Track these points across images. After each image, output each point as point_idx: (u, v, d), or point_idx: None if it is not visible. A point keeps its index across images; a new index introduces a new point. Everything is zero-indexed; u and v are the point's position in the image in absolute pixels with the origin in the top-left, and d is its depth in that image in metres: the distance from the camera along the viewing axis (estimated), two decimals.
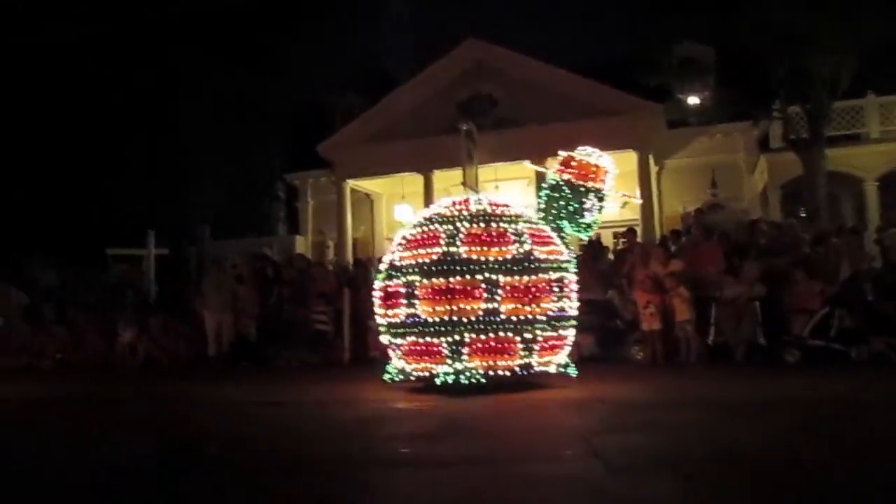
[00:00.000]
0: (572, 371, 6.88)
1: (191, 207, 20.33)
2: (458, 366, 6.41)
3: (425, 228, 6.72)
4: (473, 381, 6.37)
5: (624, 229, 12.95)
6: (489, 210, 6.71)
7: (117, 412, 6.69)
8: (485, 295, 6.28)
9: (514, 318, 6.32)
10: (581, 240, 8.50)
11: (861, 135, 17.04)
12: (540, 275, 6.45)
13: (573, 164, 6.98)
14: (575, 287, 6.83)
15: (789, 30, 13.58)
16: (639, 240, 12.33)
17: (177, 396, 7.75)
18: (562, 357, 6.86)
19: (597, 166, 6.98)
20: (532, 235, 6.62)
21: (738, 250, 10.37)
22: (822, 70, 14.08)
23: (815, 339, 8.73)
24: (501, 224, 6.57)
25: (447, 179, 16.86)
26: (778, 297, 9.35)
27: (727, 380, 7.67)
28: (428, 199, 16.90)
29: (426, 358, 6.60)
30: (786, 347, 8.80)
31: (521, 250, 6.44)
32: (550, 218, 6.98)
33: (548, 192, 7.06)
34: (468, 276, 6.31)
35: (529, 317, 6.37)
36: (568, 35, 21.50)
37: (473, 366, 6.39)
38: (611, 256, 11.94)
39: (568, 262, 6.82)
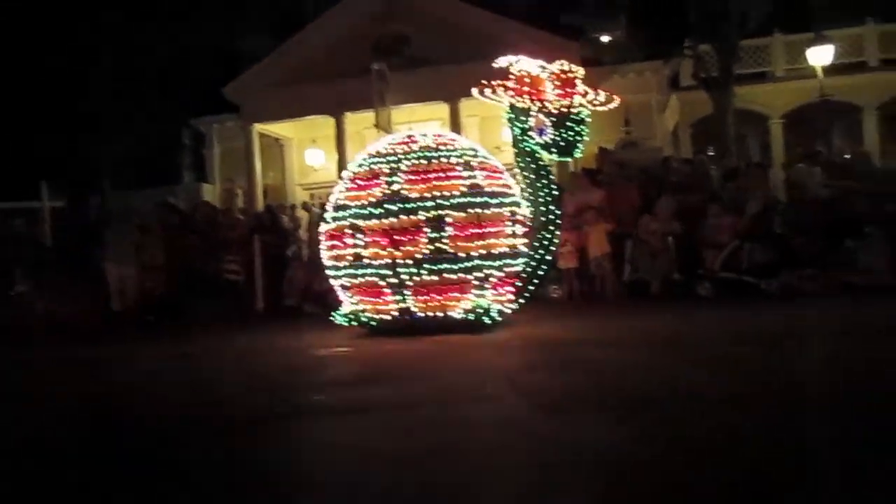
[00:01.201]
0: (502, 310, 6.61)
1: (90, 156, 19.19)
2: (403, 307, 6.35)
3: (367, 167, 6.55)
4: (419, 323, 6.33)
5: None
6: (433, 144, 6.47)
7: (16, 374, 6.23)
8: (430, 234, 6.09)
9: (462, 256, 6.13)
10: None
11: (767, 73, 17.42)
12: (493, 210, 6.22)
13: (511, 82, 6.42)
14: (525, 221, 6.53)
15: None
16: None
17: (79, 356, 7.28)
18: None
19: (531, 78, 6.40)
20: (483, 168, 6.40)
21: (652, 187, 10.45)
22: (731, 7, 14.21)
23: (727, 272, 8.90)
24: (444, 158, 6.33)
25: (359, 122, 16.42)
26: (691, 232, 9.48)
27: (644, 315, 7.72)
28: (340, 143, 16.45)
29: (374, 300, 6.52)
30: (699, 281, 8.95)
31: (469, 184, 6.21)
32: (517, 149, 6.57)
33: (507, 119, 6.58)
34: (411, 216, 6.12)
35: (482, 253, 6.16)
36: None
37: (418, 307, 6.32)
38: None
39: (518, 195, 6.54)
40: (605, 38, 17.17)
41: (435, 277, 6.16)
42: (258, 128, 17.36)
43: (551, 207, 6.53)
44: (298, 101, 16.14)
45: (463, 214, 6.12)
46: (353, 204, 6.44)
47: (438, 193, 6.14)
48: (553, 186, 6.61)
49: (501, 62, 6.47)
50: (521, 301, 6.62)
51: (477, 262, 6.15)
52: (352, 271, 6.50)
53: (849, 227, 8.88)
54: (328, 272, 6.86)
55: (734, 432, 2.62)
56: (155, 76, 18.82)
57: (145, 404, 4.09)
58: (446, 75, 15.12)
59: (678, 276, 9.32)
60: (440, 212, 6.10)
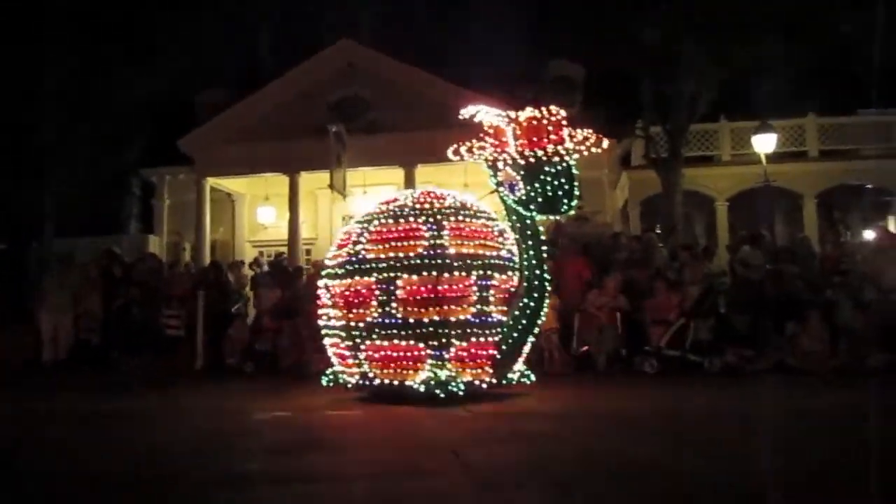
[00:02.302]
0: (528, 378, 6.34)
1: (34, 200, 18.72)
2: (363, 372, 6.16)
3: (348, 227, 6.58)
4: (378, 390, 6.07)
5: None
6: (410, 203, 6.21)
7: None
8: (380, 297, 5.86)
9: (411, 322, 5.77)
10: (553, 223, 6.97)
11: (714, 157, 18.00)
12: (456, 273, 5.80)
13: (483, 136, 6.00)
14: (509, 288, 6.07)
15: (656, 53, 14.15)
16: None
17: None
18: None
19: (493, 129, 5.95)
20: (456, 229, 5.97)
21: (601, 261, 10.56)
22: (683, 92, 14.72)
23: (672, 350, 8.97)
24: (412, 217, 6.03)
25: (314, 182, 16.41)
26: (638, 308, 9.57)
27: (590, 390, 7.70)
28: (293, 202, 16.36)
29: (343, 363, 6.39)
30: (645, 358, 8.99)
31: (429, 245, 5.85)
32: (505, 208, 6.10)
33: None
34: (365, 278, 5.97)
35: (436, 320, 5.74)
36: (453, 47, 21.51)
37: (374, 374, 6.06)
38: None
39: (504, 260, 6.10)
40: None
41: (385, 343, 5.88)
42: (211, 181, 17.21)
43: (537, 272, 5.99)
44: (254, 157, 16.08)
45: (415, 277, 5.79)
46: (329, 263, 6.44)
47: (393, 255, 5.89)
48: (542, 248, 6.05)
49: (465, 113, 6.03)
50: (503, 375, 6.09)
51: (430, 329, 5.75)
52: (325, 331, 6.46)
53: (789, 309, 9.08)
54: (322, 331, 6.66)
55: None
56: (107, 122, 18.55)
57: (71, 464, 3.86)
58: (403, 141, 15.30)
59: (624, 351, 9.36)
60: (391, 274, 5.85)
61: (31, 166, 18.37)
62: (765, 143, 15.42)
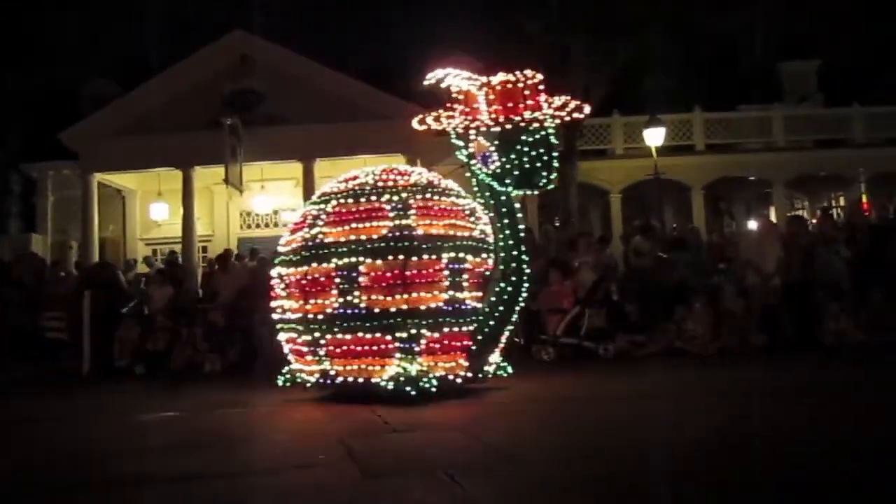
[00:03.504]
0: (505, 371, 5.88)
1: None
2: (323, 369, 5.49)
3: (304, 209, 5.86)
4: (341, 389, 5.42)
5: None
6: (372, 181, 5.53)
7: None
8: (341, 285, 5.20)
9: (377, 311, 5.16)
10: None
11: (608, 150, 18.55)
12: (424, 257, 5.19)
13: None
14: (483, 272, 5.54)
15: (552, 47, 14.45)
16: None
17: None
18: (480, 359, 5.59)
19: (463, 94, 5.44)
20: (424, 208, 5.36)
21: None
22: (575, 87, 15.08)
23: (568, 338, 9.17)
24: (374, 196, 5.38)
25: (209, 177, 15.91)
26: (534, 297, 9.73)
27: (490, 380, 7.75)
28: (186, 198, 15.81)
29: (301, 359, 5.74)
30: (541, 346, 9.16)
31: (393, 226, 5.22)
32: (475, 183, 5.60)
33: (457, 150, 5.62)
34: (323, 264, 5.30)
35: (404, 309, 5.15)
36: (349, 41, 21.30)
37: (336, 371, 5.40)
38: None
39: (477, 241, 5.52)
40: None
41: (348, 336, 5.26)
42: (98, 177, 16.39)
43: (514, 254, 5.47)
44: (144, 151, 15.42)
45: (379, 262, 5.17)
46: (283, 250, 5.74)
47: (354, 237, 5.24)
48: (519, 227, 5.54)
49: (431, 78, 5.45)
50: (479, 368, 5.59)
51: (398, 319, 5.15)
52: (281, 325, 5.81)
53: (677, 296, 9.45)
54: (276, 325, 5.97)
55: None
56: None
57: None
58: (301, 135, 15.04)
59: (520, 339, 9.51)
60: (352, 259, 5.20)
61: None
62: (654, 137, 16.01)
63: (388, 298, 5.15)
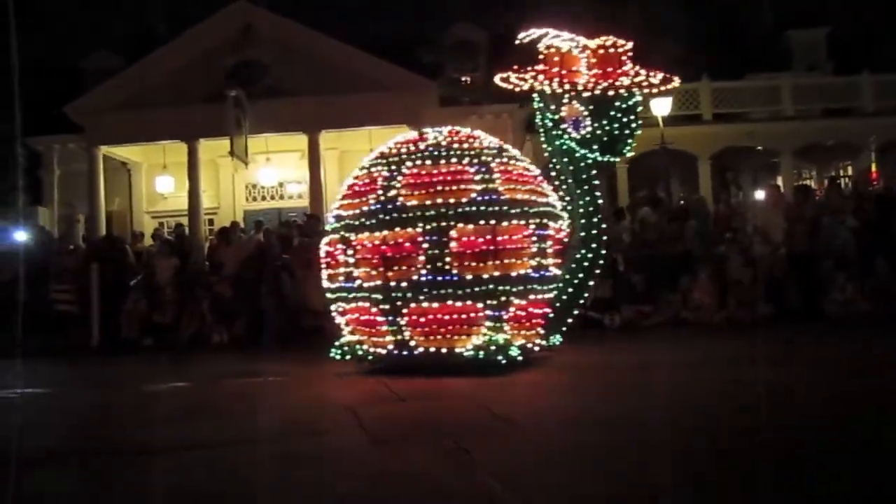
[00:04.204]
0: (556, 340, 5.69)
1: None
2: (400, 340, 5.14)
3: (366, 171, 5.40)
4: (420, 360, 5.07)
5: None
6: (444, 143, 5.26)
7: None
8: (430, 250, 4.89)
9: (469, 279, 4.90)
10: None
11: None
12: (513, 222, 5.00)
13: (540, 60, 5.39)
14: (562, 239, 5.37)
15: (553, 15, 14.28)
16: None
17: None
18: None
19: (561, 56, 5.32)
20: (505, 172, 5.18)
21: None
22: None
23: None
24: (454, 158, 5.12)
25: (214, 149, 15.89)
26: None
27: None
28: (192, 170, 15.80)
29: (369, 330, 5.35)
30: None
31: (482, 190, 4.99)
32: (551, 148, 5.47)
33: (537, 110, 5.50)
34: (407, 229, 4.95)
35: (496, 276, 4.92)
36: (355, 10, 21.05)
37: (417, 341, 5.09)
38: None
39: (553, 207, 5.35)
40: (463, 78, 17.62)
41: (435, 304, 4.98)
42: (103, 150, 16.39)
43: (594, 221, 5.42)
44: (149, 124, 15.38)
45: (470, 227, 4.93)
46: (346, 214, 5.32)
47: (441, 201, 4.96)
48: (598, 194, 5.48)
49: (528, 36, 5.38)
50: (552, 336, 5.50)
51: (490, 286, 4.94)
52: (344, 294, 5.36)
53: (683, 266, 9.44)
54: (327, 295, 5.65)
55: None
56: None
57: None
58: (305, 106, 14.97)
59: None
60: (442, 223, 4.93)
61: None
62: (661, 107, 15.87)
63: (481, 265, 4.92)
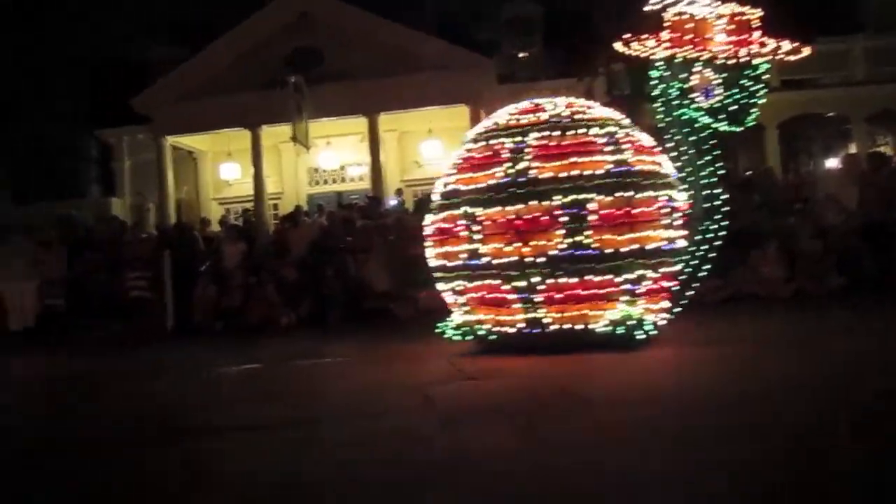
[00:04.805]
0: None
1: None
2: (532, 317, 4.99)
3: (482, 143, 5.24)
4: (551, 339, 4.94)
5: None
6: (566, 113, 5.13)
7: None
8: (568, 224, 4.78)
9: (608, 252, 4.80)
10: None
11: None
12: (645, 194, 4.89)
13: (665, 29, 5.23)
14: (685, 211, 5.18)
15: None
16: None
17: None
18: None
19: (695, 23, 5.20)
20: (630, 143, 5.05)
21: None
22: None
23: None
24: (581, 129, 5.01)
25: (276, 135, 16.17)
26: None
27: None
28: (256, 157, 16.13)
29: (495, 309, 5.17)
30: None
31: (615, 161, 4.89)
32: (669, 119, 5.32)
33: (658, 80, 5.36)
34: (543, 202, 4.83)
35: (634, 249, 4.82)
36: None
37: (551, 319, 4.94)
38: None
39: (673, 178, 5.23)
40: (521, 55, 17.45)
41: (574, 280, 4.88)
42: (170, 140, 16.86)
43: (716, 192, 5.33)
44: (212, 113, 15.76)
45: (610, 199, 4.83)
46: (466, 188, 5.16)
47: (578, 173, 4.86)
48: (718, 165, 5.37)
49: (658, 2, 5.21)
50: (676, 311, 5.35)
51: (628, 259, 4.84)
52: (467, 273, 5.18)
53: (750, 238, 9.20)
54: (435, 275, 5.55)
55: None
56: (58, 85, 18.10)
57: (55, 428, 3.85)
58: (364, 89, 15.09)
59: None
60: (580, 196, 4.83)
61: None
62: None
63: (619, 238, 4.82)
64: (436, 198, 5.48)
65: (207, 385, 5.17)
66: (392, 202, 14.69)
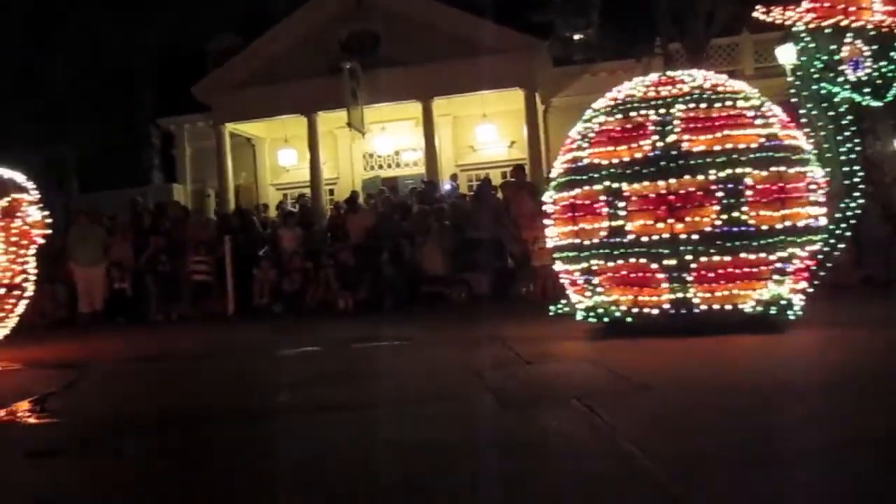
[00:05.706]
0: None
1: (57, 157, 18.89)
2: (679, 297, 4.80)
3: (619, 116, 5.01)
4: (698, 319, 4.79)
5: (512, 168, 12.87)
6: (707, 85, 4.96)
7: None
8: (724, 200, 4.61)
9: (764, 229, 4.63)
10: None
11: (737, 71, 17.53)
12: (795, 169, 4.74)
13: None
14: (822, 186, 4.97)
15: None
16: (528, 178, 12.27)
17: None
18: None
19: None
20: (775, 116, 4.92)
21: None
22: (698, 6, 14.34)
23: None
24: (729, 101, 4.86)
25: (332, 121, 16.31)
26: None
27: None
28: (312, 143, 16.31)
29: (637, 289, 4.95)
30: None
31: (767, 135, 4.74)
32: (806, 93, 5.13)
33: (798, 54, 5.17)
34: (697, 177, 4.67)
35: (787, 226, 4.64)
36: None
37: (700, 299, 4.77)
38: (499, 195, 11.82)
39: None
40: (576, 37, 17.22)
41: (727, 258, 4.69)
42: (229, 127, 17.16)
43: (855, 168, 5.09)
44: (269, 100, 15.98)
45: (764, 174, 4.65)
46: (606, 163, 4.90)
47: (731, 146, 4.68)
48: (857, 140, 5.14)
49: None
50: (812, 289, 5.12)
51: (782, 237, 4.66)
52: (607, 251, 4.92)
53: None
54: (555, 256, 5.38)
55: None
56: (121, 74, 18.55)
57: (127, 409, 4.01)
58: (418, 74, 15.09)
59: None
60: (737, 170, 4.65)
61: (51, 121, 18.47)
62: (789, 54, 14.98)
63: (774, 214, 4.66)
64: (557, 174, 5.25)
65: (271, 366, 5.29)
66: (447, 187, 14.71)
